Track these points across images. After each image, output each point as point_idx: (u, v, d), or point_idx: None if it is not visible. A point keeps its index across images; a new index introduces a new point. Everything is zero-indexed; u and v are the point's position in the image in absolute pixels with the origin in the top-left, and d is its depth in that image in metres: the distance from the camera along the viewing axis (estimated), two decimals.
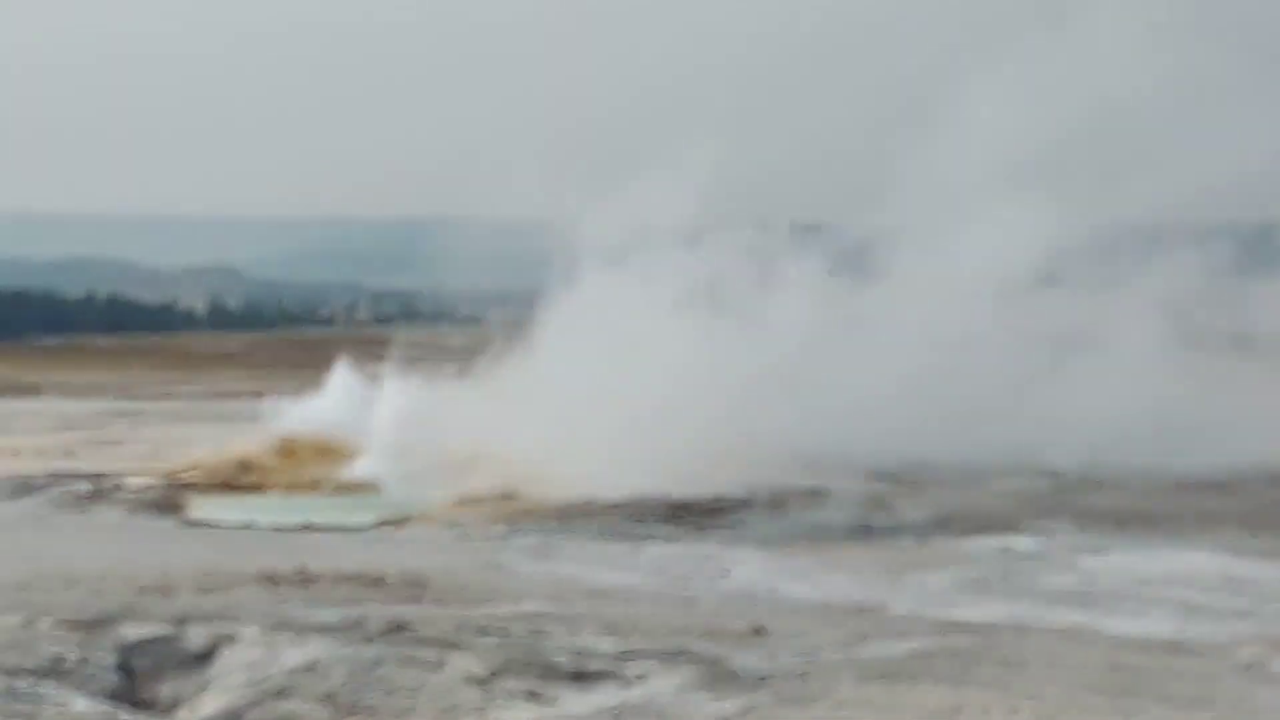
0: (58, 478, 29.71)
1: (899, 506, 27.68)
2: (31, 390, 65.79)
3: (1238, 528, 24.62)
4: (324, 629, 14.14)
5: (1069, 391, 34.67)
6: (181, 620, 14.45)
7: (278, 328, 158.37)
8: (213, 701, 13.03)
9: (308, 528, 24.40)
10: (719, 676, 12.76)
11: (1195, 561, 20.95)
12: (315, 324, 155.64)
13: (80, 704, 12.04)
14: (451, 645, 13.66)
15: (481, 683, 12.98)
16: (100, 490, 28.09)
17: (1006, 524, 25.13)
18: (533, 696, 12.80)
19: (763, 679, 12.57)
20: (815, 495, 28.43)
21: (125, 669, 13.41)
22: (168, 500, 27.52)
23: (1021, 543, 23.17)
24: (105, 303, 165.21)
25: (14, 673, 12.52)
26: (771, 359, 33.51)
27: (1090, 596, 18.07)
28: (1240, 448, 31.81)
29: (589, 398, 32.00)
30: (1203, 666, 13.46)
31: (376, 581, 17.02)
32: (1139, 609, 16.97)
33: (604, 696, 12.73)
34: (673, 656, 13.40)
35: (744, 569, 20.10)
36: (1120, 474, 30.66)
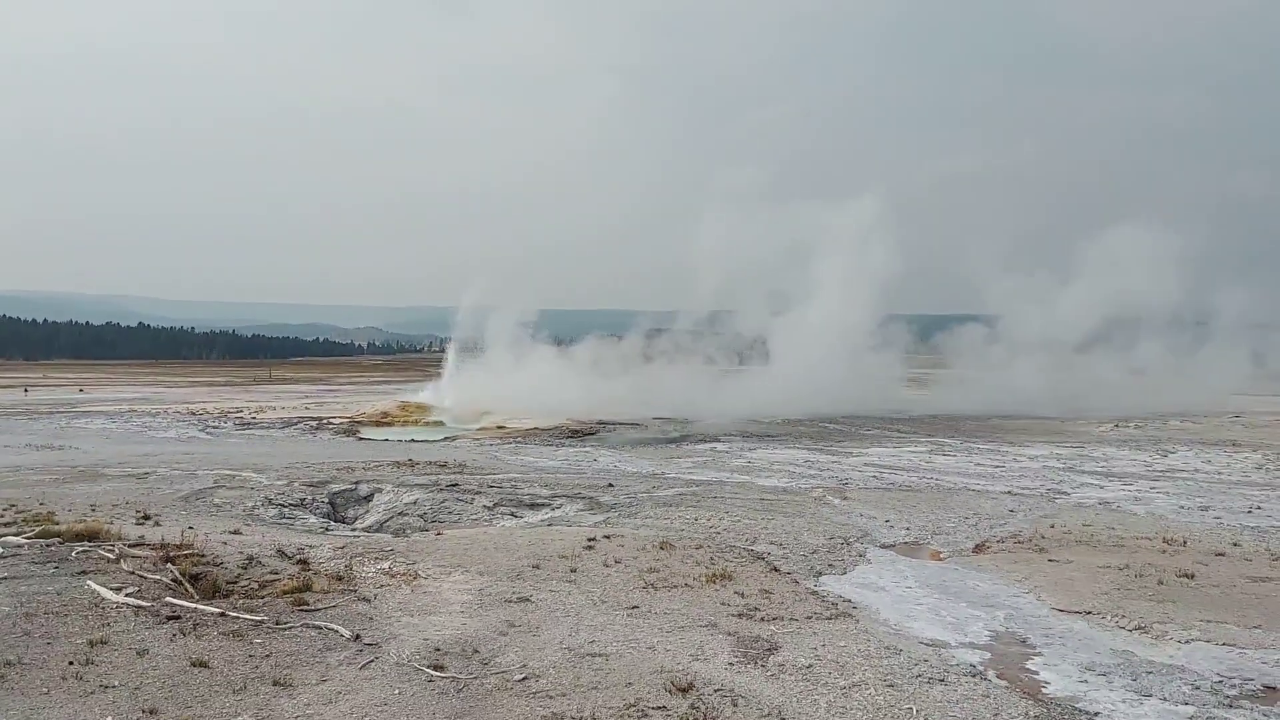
0: (302, 418, 30.04)
1: (667, 430, 28.34)
2: (287, 380, 64.99)
3: (810, 439, 25.76)
4: (420, 486, 14.80)
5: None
6: (357, 482, 15.15)
7: (400, 354, 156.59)
8: (370, 517, 13.80)
9: (413, 441, 24.90)
10: (593, 506, 13.60)
11: (792, 455, 21.79)
12: (416, 353, 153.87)
13: (312, 520, 12.91)
14: (476, 493, 14.36)
15: (489, 509, 13.69)
16: (320, 425, 28.54)
17: (714, 438, 26.01)
18: (512, 515, 13.49)
19: (612, 507, 13.43)
20: (636, 426, 29.12)
21: (331, 504, 14.24)
22: (350, 429, 28.14)
23: (720, 446, 23.71)
24: (321, 343, 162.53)
25: (284, 504, 13.49)
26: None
27: (750, 469, 18.73)
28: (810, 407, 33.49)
29: (536, 390, 33.82)
30: (798, 499, 14.49)
31: (443, 465, 17.44)
32: (770, 475, 17.62)
33: (543, 515, 13.42)
34: (573, 497, 14.20)
35: (603, 458, 20.38)
36: (762, 417, 31.40)
